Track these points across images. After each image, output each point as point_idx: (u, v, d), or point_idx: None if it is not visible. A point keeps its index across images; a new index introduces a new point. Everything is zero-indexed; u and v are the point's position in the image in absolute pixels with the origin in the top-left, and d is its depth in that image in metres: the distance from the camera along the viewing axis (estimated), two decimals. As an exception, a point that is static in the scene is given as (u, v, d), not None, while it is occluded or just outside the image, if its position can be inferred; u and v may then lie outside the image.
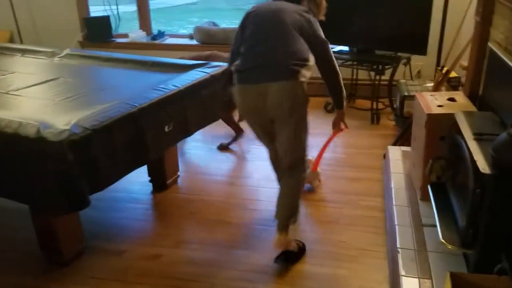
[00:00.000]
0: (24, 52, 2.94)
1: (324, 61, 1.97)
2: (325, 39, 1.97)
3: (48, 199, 1.64)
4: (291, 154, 1.99)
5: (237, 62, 1.99)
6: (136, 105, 1.91)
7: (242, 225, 2.39)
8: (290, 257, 2.04)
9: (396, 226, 2.06)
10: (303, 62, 1.89)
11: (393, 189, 2.37)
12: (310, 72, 1.92)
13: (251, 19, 2.02)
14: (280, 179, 2.18)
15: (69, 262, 2.08)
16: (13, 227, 2.38)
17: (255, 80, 1.92)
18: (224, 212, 2.51)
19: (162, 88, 2.11)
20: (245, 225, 2.39)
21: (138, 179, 2.79)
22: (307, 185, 2.59)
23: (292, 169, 2.01)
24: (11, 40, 4.56)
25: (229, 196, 2.67)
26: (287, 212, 2.02)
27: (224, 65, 2.48)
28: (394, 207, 2.21)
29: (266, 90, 1.88)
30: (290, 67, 1.87)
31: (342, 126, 2.24)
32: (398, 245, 1.93)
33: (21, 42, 4.51)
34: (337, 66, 2.00)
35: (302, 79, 1.87)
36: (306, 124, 1.98)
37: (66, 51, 2.90)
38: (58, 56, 2.85)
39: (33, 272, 2.05)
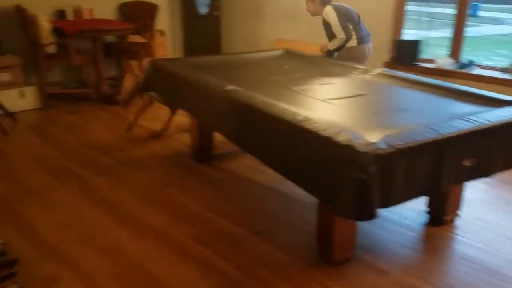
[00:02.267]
0: (342, 66, 3.27)
1: None
2: None
3: (340, 202, 1.78)
4: None
5: (354, 33, 3.83)
6: (442, 132, 1.85)
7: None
8: None
9: None
10: None
11: None
12: None
13: (344, 11, 3.81)
14: None
15: (337, 263, 2.22)
16: (298, 215, 2.71)
17: (368, 41, 3.92)
18: (502, 276, 2.18)
19: (472, 120, 1.97)
20: None
21: (414, 207, 2.73)
22: None
23: None
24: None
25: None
26: None
27: None
28: None
29: (369, 46, 3.94)
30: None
31: None
32: None
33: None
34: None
35: None
36: None
37: (378, 70, 3.07)
38: (370, 74, 3.05)
39: (305, 260, 2.27)
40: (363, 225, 2.49)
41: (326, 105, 2.40)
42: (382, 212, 2.69)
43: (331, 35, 3.88)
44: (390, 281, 2.13)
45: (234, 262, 2.26)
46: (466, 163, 1.92)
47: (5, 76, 4.45)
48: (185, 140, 3.80)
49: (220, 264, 2.25)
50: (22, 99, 4.58)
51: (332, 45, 3.88)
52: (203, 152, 3.40)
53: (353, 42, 3.84)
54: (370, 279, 2.15)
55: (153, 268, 2.21)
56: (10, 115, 4.28)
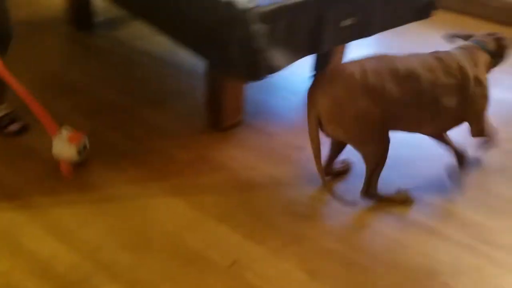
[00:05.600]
0: None
1: None
2: None
3: (228, 63, 1.78)
4: None
5: None
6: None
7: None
8: None
9: None
10: None
11: None
12: None
13: None
14: None
15: (226, 129, 2.30)
16: (188, 85, 2.68)
17: None
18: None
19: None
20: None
21: (301, 72, 2.82)
22: None
23: None
24: None
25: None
26: None
27: None
28: None
29: None
30: None
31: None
32: None
33: None
34: None
35: None
36: None
37: None
38: None
39: (197, 128, 2.32)
40: (251, 93, 2.55)
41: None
42: (270, 79, 2.77)
43: None
44: (277, 141, 2.28)
45: (125, 133, 2.23)
46: (346, 22, 1.97)
47: None
48: (57, 3, 3.38)
49: (110, 135, 2.20)
50: None
51: None
52: (81, 17, 3.09)
53: None
54: (259, 140, 2.27)
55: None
56: None
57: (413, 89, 1.69)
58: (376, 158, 1.76)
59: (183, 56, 2.12)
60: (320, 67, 2.71)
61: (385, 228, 1.80)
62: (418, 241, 1.75)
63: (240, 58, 1.73)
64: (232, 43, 1.70)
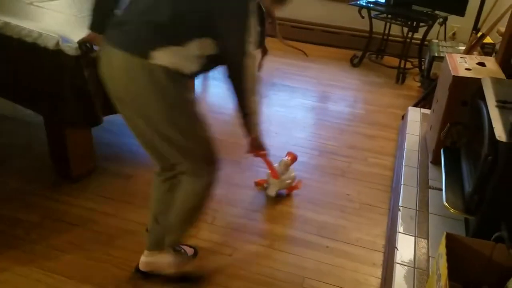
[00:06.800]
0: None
1: (231, 75, 1.40)
2: (245, 48, 1.29)
3: (62, 111, 1.68)
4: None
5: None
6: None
7: (243, 165, 2.41)
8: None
9: (402, 185, 2.06)
10: (171, 40, 1.24)
11: (405, 150, 2.34)
12: (185, 61, 1.28)
13: None
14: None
15: (79, 178, 2.16)
16: (28, 137, 2.46)
17: (113, 41, 1.29)
18: (223, 149, 2.53)
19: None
20: (246, 165, 2.41)
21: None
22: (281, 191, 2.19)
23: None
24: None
25: (229, 135, 2.67)
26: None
27: None
28: (403, 167, 2.20)
29: (110, 57, 1.30)
30: (141, 37, 1.25)
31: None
32: (400, 203, 1.93)
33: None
34: (250, 88, 1.44)
35: (159, 62, 1.24)
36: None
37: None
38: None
39: (44, 183, 2.13)
40: (101, 136, 2.45)
41: (33, 8, 2.10)
42: (119, 120, 2.70)
43: None
44: (135, 183, 2.21)
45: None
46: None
47: None
48: None
49: None
50: None
51: None
52: None
53: None
54: (116, 185, 2.17)
55: None
56: None
57: None
58: None
59: (20, 107, 1.94)
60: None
61: (251, 247, 1.86)
62: (284, 252, 1.84)
63: (75, 104, 1.65)
64: (65, 90, 1.62)
